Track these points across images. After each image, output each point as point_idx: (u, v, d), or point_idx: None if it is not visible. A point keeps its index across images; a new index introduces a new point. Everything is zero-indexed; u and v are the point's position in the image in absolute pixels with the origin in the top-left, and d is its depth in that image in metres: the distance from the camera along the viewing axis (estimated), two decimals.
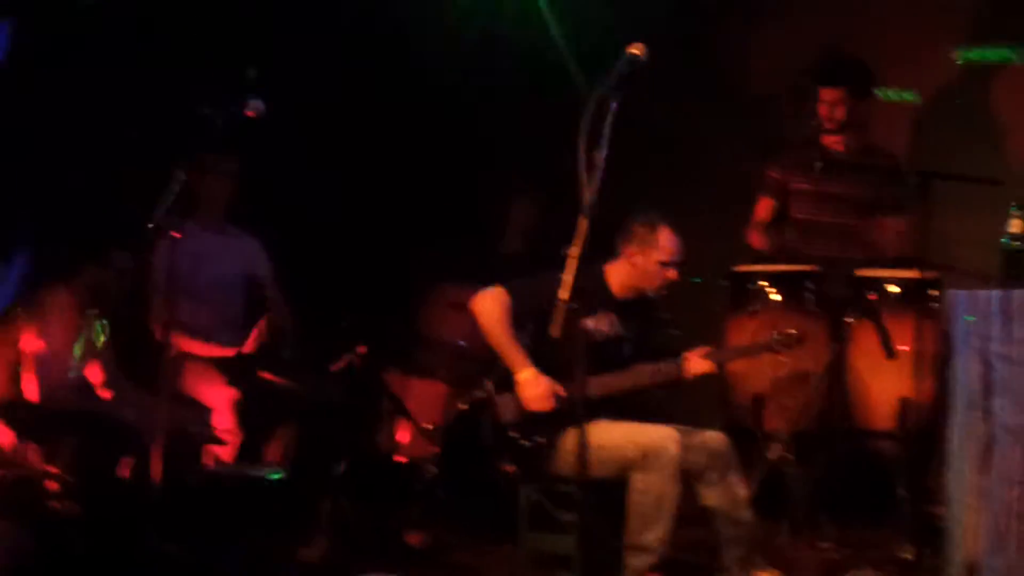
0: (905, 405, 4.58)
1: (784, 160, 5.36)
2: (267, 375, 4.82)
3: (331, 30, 6.06)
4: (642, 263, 4.40)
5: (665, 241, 4.39)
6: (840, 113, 5.16)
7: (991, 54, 5.45)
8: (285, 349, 5.16)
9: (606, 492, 4.18)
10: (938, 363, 4.40)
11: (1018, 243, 3.77)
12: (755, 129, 6.08)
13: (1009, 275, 3.76)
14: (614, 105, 3.10)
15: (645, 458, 4.13)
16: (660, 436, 4.17)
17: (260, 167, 5.36)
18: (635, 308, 4.49)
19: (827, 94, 5.17)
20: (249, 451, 4.91)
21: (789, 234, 5.31)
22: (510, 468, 4.33)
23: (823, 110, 5.20)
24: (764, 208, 5.40)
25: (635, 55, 3.19)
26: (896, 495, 4.54)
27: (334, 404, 4.86)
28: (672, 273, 4.41)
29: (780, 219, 5.38)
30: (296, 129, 5.52)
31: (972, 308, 3.74)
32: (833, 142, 5.25)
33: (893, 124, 5.34)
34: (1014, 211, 3.79)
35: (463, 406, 4.99)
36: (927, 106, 5.64)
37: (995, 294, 3.66)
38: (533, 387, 4.28)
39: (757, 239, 5.37)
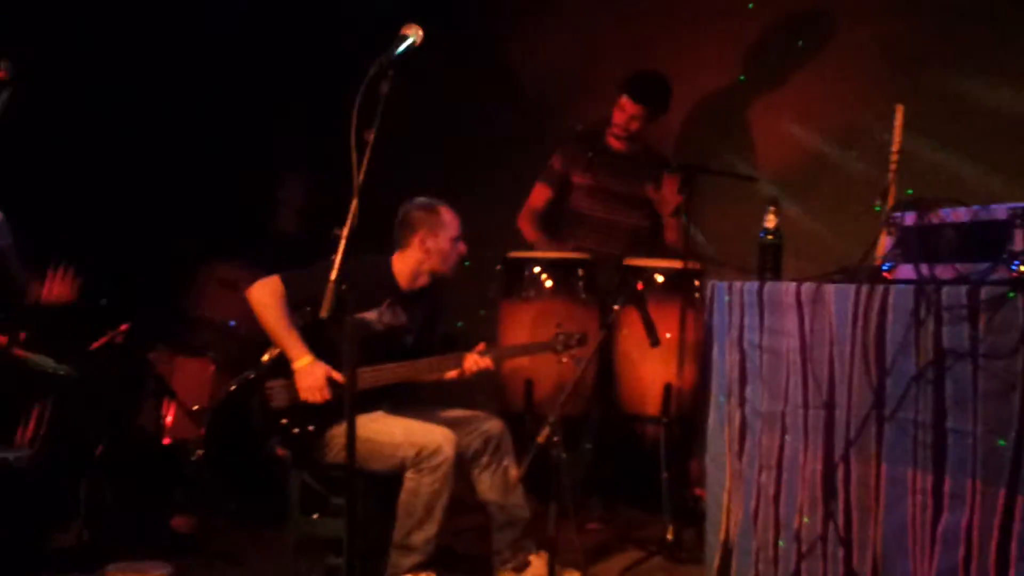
0: (669, 391, 4.71)
1: (568, 151, 5.46)
2: (20, 352, 4.58)
3: None
4: (435, 245, 4.41)
5: (449, 217, 4.43)
6: (635, 125, 5.29)
7: None
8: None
9: (382, 477, 4.16)
10: (700, 351, 4.54)
11: (772, 237, 3.94)
12: (534, 118, 6.19)
13: (764, 267, 3.91)
14: (387, 86, 3.08)
15: (419, 458, 4.10)
16: (437, 437, 4.15)
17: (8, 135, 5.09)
18: (420, 298, 4.48)
19: (629, 106, 5.27)
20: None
21: (563, 225, 5.42)
22: (282, 451, 4.26)
23: (619, 117, 5.31)
24: (540, 195, 5.49)
25: (410, 37, 3.17)
26: (660, 477, 4.65)
27: (93, 383, 4.66)
28: (463, 247, 4.45)
29: (555, 210, 5.48)
30: (51, 99, 5.26)
31: (730, 299, 3.89)
32: (617, 144, 5.39)
33: (662, 126, 5.52)
34: (769, 207, 3.95)
35: (232, 387, 4.89)
36: (694, 111, 5.86)
37: (750, 286, 3.81)
38: (308, 376, 4.21)
39: (529, 227, 5.47)
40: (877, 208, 3.75)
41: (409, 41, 3.16)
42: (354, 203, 3.04)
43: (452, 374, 4.35)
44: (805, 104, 5.39)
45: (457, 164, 6.17)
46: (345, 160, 2.99)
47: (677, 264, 4.75)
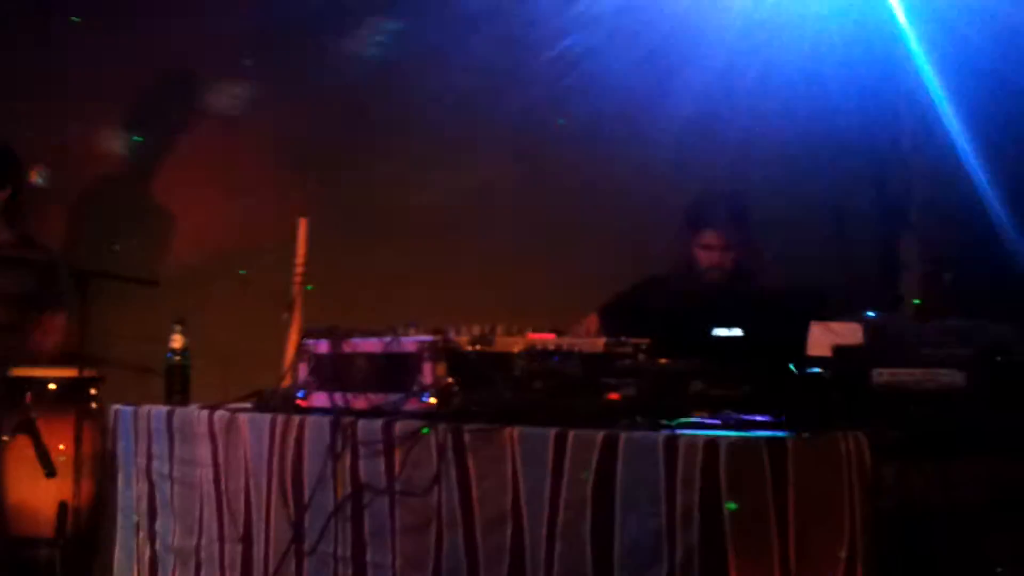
0: (64, 510, 4.36)
1: None
2: None
3: None
4: None
5: None
6: None
7: None
8: None
9: None
10: (99, 464, 4.27)
11: (179, 358, 3.75)
12: None
13: (172, 391, 3.73)
14: None
15: None
16: None
17: None
18: None
19: None
20: None
21: None
22: None
23: None
24: None
25: None
26: None
27: None
28: None
29: None
30: None
31: (136, 425, 3.68)
32: None
33: (52, 216, 5.17)
34: (176, 326, 3.77)
35: None
36: (88, 200, 5.54)
37: (158, 412, 3.64)
38: None
39: None
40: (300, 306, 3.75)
41: None
42: None
43: None
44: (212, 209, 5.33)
45: None
46: None
47: (71, 372, 4.42)
